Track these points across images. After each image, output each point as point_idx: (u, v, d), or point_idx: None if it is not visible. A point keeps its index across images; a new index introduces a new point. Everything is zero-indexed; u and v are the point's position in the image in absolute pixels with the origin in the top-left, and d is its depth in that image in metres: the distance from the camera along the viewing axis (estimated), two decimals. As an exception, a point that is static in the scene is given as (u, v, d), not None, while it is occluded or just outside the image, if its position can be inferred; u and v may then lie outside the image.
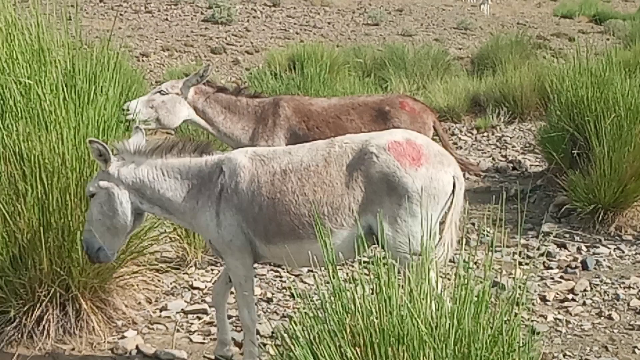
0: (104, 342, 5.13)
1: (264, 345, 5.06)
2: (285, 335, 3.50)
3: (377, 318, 3.29)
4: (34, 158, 5.00)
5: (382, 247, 3.94)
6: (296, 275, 6.23)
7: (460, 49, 23.48)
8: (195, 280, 6.10)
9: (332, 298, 3.40)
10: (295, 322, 3.37)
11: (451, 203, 4.27)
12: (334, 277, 3.44)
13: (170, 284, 6.03)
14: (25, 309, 5.01)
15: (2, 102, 5.18)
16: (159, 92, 6.30)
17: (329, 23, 25.82)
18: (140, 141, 4.61)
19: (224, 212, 4.36)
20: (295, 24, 25.31)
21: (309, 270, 6.32)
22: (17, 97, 5.18)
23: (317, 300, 3.55)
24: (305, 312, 3.45)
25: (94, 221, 4.48)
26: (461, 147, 11.60)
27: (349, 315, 3.34)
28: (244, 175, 4.35)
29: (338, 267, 5.91)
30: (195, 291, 5.93)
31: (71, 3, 6.36)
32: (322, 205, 4.21)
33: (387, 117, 6.39)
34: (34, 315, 5.02)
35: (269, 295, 5.88)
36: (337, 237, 4.20)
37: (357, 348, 3.23)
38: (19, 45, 5.42)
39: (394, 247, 4.13)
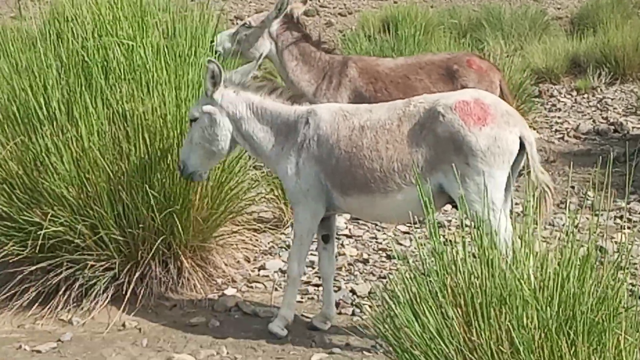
0: (205, 299, 5.24)
1: (360, 306, 5.11)
2: (385, 295, 3.52)
3: (478, 278, 3.27)
4: (137, 118, 5.12)
5: (455, 207, 3.94)
6: (392, 237, 6.23)
7: (559, 8, 22.81)
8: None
9: (433, 258, 3.39)
10: (396, 282, 3.37)
11: (527, 159, 4.26)
12: (433, 237, 3.42)
13: (268, 243, 6.10)
14: (128, 266, 5.15)
15: (106, 63, 5.29)
16: (244, 25, 6.39)
17: (423, -16, 25.43)
18: (246, 76, 4.79)
19: (304, 161, 4.55)
20: (389, -15, 25.02)
21: (404, 232, 6.32)
22: (120, 58, 5.29)
23: (414, 262, 3.55)
24: (405, 273, 3.45)
25: (193, 144, 4.70)
26: (560, 109, 11.33)
27: (449, 275, 3.32)
28: (326, 128, 4.53)
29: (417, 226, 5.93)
30: (293, 251, 5.98)
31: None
32: (392, 162, 4.34)
33: (455, 76, 6.33)
34: (137, 272, 5.16)
35: (365, 256, 5.90)
36: (407, 194, 4.33)
37: (458, 308, 3.22)
38: (122, 8, 5.53)
39: (467, 205, 4.11)
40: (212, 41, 5.99)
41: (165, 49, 5.44)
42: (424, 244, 3.61)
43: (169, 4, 5.86)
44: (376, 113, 4.51)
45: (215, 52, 6.03)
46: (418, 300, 3.26)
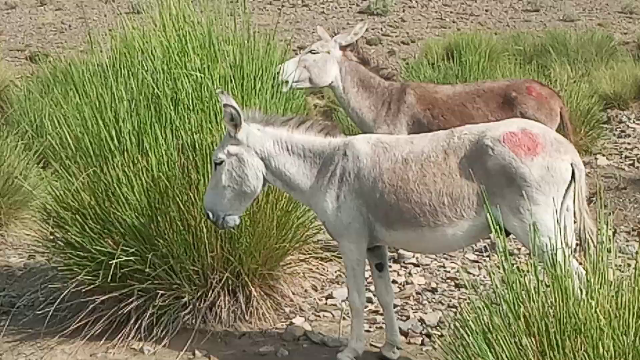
0: (273, 328, 5.25)
1: (430, 335, 5.06)
2: (457, 324, 3.48)
3: (552, 307, 3.22)
4: (205, 148, 5.18)
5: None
6: (461, 266, 6.17)
7: (625, 33, 22.51)
8: (359, 269, 6.12)
9: (505, 287, 3.34)
10: (468, 311, 3.34)
11: (574, 190, 4.18)
12: (505, 266, 3.38)
13: (335, 272, 6.10)
14: (198, 294, 5.20)
15: (175, 94, 5.38)
16: (310, 51, 6.37)
17: (486, 10, 25.36)
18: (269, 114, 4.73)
19: (344, 195, 4.46)
20: (451, 12, 25.02)
21: (473, 261, 6.25)
22: (189, 89, 5.37)
23: (485, 290, 3.50)
24: (476, 302, 3.41)
25: (220, 188, 4.57)
26: (629, 135, 11.12)
27: (522, 304, 3.27)
28: (366, 161, 4.44)
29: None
30: (360, 280, 5.96)
31: (231, -1, 6.55)
32: (442, 196, 4.24)
33: (514, 104, 6.25)
34: (206, 301, 5.20)
35: (433, 285, 5.85)
36: (457, 227, 4.27)
37: (532, 337, 3.16)
38: (191, 40, 5.63)
39: (523, 238, 4.13)
40: (277, 72, 6.01)
41: (233, 80, 5.51)
42: (495, 273, 3.57)
43: (236, 36, 5.94)
44: (418, 145, 4.41)
45: (282, 82, 6.03)
46: (491, 329, 3.21)
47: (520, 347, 3.15)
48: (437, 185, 4.26)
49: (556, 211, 4.01)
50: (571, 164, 4.18)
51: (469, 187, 4.21)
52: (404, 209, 4.32)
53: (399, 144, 4.47)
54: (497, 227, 3.67)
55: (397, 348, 4.79)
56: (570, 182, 4.17)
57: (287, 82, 6.08)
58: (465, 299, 5.38)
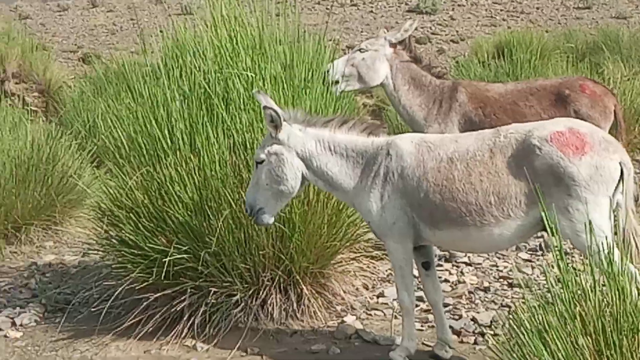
0: (325, 326, 5.27)
1: (483, 334, 5.03)
2: (511, 323, 3.46)
3: (609, 306, 3.18)
4: (256, 147, 5.19)
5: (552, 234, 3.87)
6: (514, 265, 6.12)
7: (680, 29, 22.08)
8: (410, 268, 6.11)
9: (560, 286, 3.31)
10: (522, 310, 3.31)
11: (622, 190, 4.13)
12: (561, 265, 3.35)
13: (386, 271, 6.08)
14: (250, 292, 5.23)
15: (227, 94, 5.42)
16: (359, 49, 6.34)
17: (537, 8, 25.07)
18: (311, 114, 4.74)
19: (388, 195, 4.44)
20: (501, 10, 24.78)
21: (526, 260, 6.20)
22: (240, 89, 5.41)
23: (538, 289, 3.47)
24: (531, 301, 3.38)
25: (259, 186, 4.59)
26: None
27: (578, 303, 3.24)
28: (411, 160, 4.40)
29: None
30: (411, 279, 5.95)
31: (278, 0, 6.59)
32: (488, 195, 4.20)
33: (567, 101, 6.14)
34: (258, 299, 5.24)
35: (486, 284, 5.81)
36: (504, 226, 4.23)
37: (588, 337, 3.13)
38: (242, 40, 5.67)
39: (572, 237, 4.09)
40: (327, 70, 6.00)
41: (283, 79, 5.53)
42: (550, 272, 3.53)
43: (286, 36, 5.96)
44: (463, 144, 4.37)
45: (331, 82, 6.02)
46: (546, 328, 3.18)
47: (576, 346, 3.12)
48: (483, 185, 4.22)
49: (605, 210, 4.01)
50: (620, 163, 4.13)
51: (516, 186, 4.17)
52: (449, 208, 4.29)
53: (444, 143, 4.43)
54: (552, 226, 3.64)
55: (449, 347, 4.77)
56: (619, 181, 4.12)
57: (336, 81, 6.07)
58: (519, 299, 5.33)
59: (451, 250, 5.67)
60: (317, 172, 4.61)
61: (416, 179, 4.37)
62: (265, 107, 4.51)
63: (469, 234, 4.30)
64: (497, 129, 4.45)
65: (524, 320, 3.28)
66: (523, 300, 3.98)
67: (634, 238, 4.15)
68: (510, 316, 3.98)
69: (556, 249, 3.39)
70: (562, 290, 3.29)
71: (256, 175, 4.62)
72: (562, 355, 3.09)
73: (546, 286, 3.46)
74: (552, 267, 3.69)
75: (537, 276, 5.76)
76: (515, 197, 4.17)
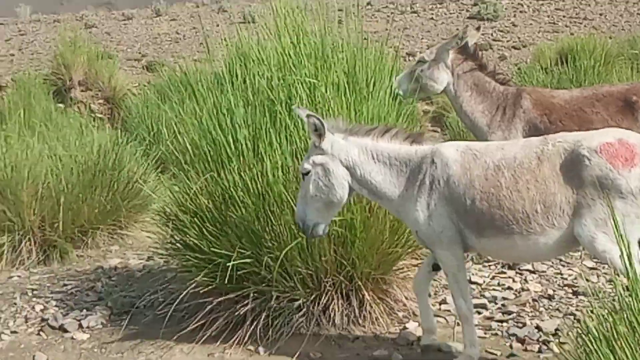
0: (386, 332, 5.26)
1: (547, 342, 4.97)
2: (579, 331, 3.42)
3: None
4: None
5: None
6: (579, 273, 6.04)
7: None
8: (473, 274, 6.07)
9: (629, 294, 3.26)
10: (591, 318, 3.27)
11: None
12: (630, 274, 3.30)
13: (448, 278, 6.04)
14: (312, 297, 5.25)
15: (289, 100, 5.46)
16: (419, 61, 6.35)
17: (600, 14, 24.69)
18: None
19: (435, 203, 4.43)
20: (564, 16, 24.47)
21: (591, 268, 6.11)
22: (303, 96, 5.45)
23: (606, 298, 3.42)
24: (599, 309, 3.34)
25: (308, 198, 4.59)
26: None
27: (648, 312, 3.19)
28: (456, 167, 4.39)
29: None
30: (474, 285, 5.91)
31: (339, 7, 6.61)
32: (535, 203, 4.18)
33: (635, 108, 6.03)
34: (320, 304, 5.25)
35: (550, 292, 5.74)
36: (549, 236, 4.21)
37: (658, 346, 3.08)
38: (305, 48, 5.71)
39: (602, 250, 4.08)
40: (390, 86, 6.02)
41: (345, 86, 5.56)
42: (618, 280, 3.49)
43: (348, 43, 6.00)
44: (510, 151, 4.35)
45: (397, 95, 6.05)
46: (615, 337, 3.13)
47: (646, 355, 3.06)
48: (530, 192, 4.20)
49: None
50: None
51: (562, 196, 4.16)
52: (495, 216, 4.27)
53: (490, 151, 4.43)
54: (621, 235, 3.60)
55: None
56: None
57: (401, 95, 6.10)
58: (584, 307, 5.26)
59: (495, 259, 5.60)
60: (361, 180, 4.62)
61: (462, 186, 4.36)
62: (309, 116, 4.53)
63: (514, 242, 4.28)
64: (545, 137, 4.45)
65: (591, 329, 3.23)
66: (590, 309, 3.94)
67: None
68: (576, 324, 3.95)
69: (625, 257, 3.34)
70: (631, 299, 3.24)
71: (304, 187, 4.64)
72: (630, 363, 3.04)
73: (612, 295, 3.42)
74: (619, 275, 3.65)
75: (603, 284, 5.68)
76: (560, 206, 4.16)
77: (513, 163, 4.29)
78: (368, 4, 26.17)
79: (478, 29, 6.59)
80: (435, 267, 4.78)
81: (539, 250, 4.30)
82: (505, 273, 6.09)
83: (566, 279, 5.96)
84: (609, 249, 4.04)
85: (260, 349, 5.14)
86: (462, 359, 4.64)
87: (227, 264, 5.09)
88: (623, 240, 3.33)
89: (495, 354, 4.90)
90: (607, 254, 4.05)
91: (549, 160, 4.22)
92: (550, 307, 5.54)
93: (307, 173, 4.59)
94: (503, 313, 5.47)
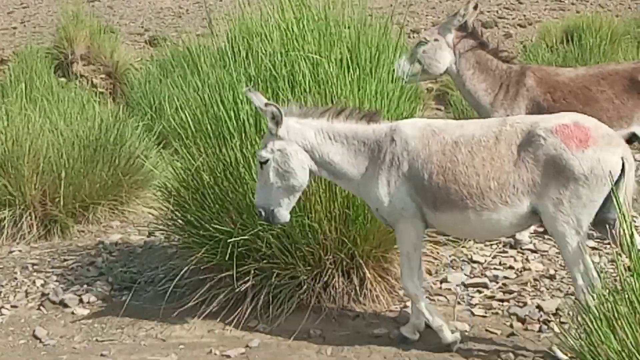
0: (387, 310, 5.26)
1: (548, 322, 4.97)
2: (579, 311, 3.41)
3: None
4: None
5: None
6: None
7: None
8: (474, 254, 6.06)
9: (630, 274, 3.25)
10: (591, 298, 3.26)
11: (623, 183, 4.20)
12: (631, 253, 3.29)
13: (450, 256, 6.04)
14: (313, 274, 5.25)
15: (292, 77, 5.43)
16: (419, 43, 6.29)
17: (606, -8, 24.52)
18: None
19: (395, 180, 4.51)
20: (570, -6, 24.30)
21: (593, 248, 6.08)
22: (305, 72, 5.40)
23: (607, 278, 3.42)
24: (599, 289, 3.33)
25: (268, 186, 4.59)
26: None
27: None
28: (415, 143, 4.48)
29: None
30: (475, 265, 5.90)
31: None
32: (489, 180, 4.30)
33: None
34: (321, 281, 5.25)
35: (552, 272, 5.73)
36: (501, 213, 4.33)
37: (659, 327, 3.07)
38: (308, 23, 5.66)
39: (554, 227, 4.25)
40: (394, 69, 5.95)
41: (349, 62, 5.51)
42: (619, 260, 3.48)
43: (352, 19, 5.95)
44: (468, 129, 4.46)
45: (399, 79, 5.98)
46: (615, 316, 3.13)
47: (646, 336, 3.05)
48: (485, 169, 4.33)
49: (594, 206, 4.16)
50: (622, 157, 4.21)
51: (516, 174, 4.28)
52: (451, 190, 4.38)
53: (449, 128, 4.53)
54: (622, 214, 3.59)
55: (418, 331, 4.83)
56: (620, 175, 4.18)
57: (402, 78, 6.01)
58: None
59: (451, 234, 5.56)
60: (320, 162, 4.64)
61: (421, 161, 4.45)
62: (266, 104, 4.53)
63: (468, 217, 4.40)
64: (504, 118, 4.63)
65: (592, 308, 3.22)
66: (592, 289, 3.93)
67: (625, 230, 4.13)
68: (577, 304, 3.94)
69: (627, 237, 3.33)
70: (632, 279, 3.23)
71: (262, 176, 4.63)
72: (631, 343, 3.04)
73: (614, 275, 3.41)
74: (620, 255, 3.64)
75: (604, 264, 5.66)
76: (514, 185, 4.29)
77: (471, 140, 4.39)
78: (373, -20, 25.98)
79: (475, 7, 6.49)
80: None
81: (491, 227, 4.42)
82: (507, 252, 6.08)
83: (568, 258, 5.93)
84: (567, 231, 4.21)
85: (261, 325, 5.15)
86: (443, 336, 4.67)
87: (228, 241, 5.08)
88: (626, 220, 3.32)
89: (496, 333, 4.89)
90: (565, 236, 4.22)
91: (506, 140, 4.33)
92: (552, 286, 5.52)
93: (266, 161, 4.59)
94: (504, 292, 5.46)
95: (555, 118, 4.39)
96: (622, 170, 4.19)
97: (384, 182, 4.52)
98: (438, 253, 6.00)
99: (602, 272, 4.13)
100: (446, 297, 5.45)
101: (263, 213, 4.64)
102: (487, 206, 4.32)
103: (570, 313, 4.19)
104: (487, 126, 4.46)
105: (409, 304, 5.29)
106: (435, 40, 6.21)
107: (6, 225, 7.21)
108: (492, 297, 5.38)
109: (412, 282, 4.64)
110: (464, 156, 4.37)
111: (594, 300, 3.28)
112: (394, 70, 5.90)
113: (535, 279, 5.63)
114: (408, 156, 4.48)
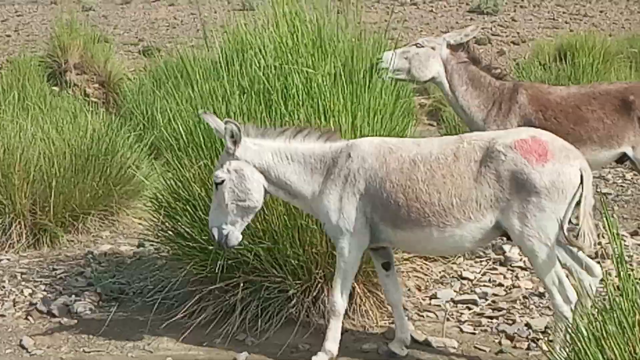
0: (376, 325, 5.25)
1: (537, 340, 4.96)
2: (568, 330, 3.40)
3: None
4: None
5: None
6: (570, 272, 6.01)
7: None
8: (464, 270, 6.07)
9: (619, 294, 3.25)
10: (580, 317, 3.25)
11: (581, 195, 4.27)
12: (620, 273, 3.29)
13: (439, 272, 6.04)
14: (302, 288, 5.23)
15: (285, 90, 5.43)
16: (415, 44, 6.29)
17: (601, 11, 24.66)
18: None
19: (348, 196, 4.51)
20: (564, 12, 24.42)
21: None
22: (299, 85, 5.40)
23: (596, 296, 3.41)
24: (589, 308, 3.33)
25: (223, 207, 4.58)
26: None
27: (638, 311, 3.17)
28: (372, 160, 4.50)
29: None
30: (465, 281, 5.90)
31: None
32: (451, 197, 4.32)
33: (632, 107, 6.03)
34: (310, 296, 5.23)
35: (541, 289, 5.71)
36: (464, 228, 4.37)
37: (647, 347, 3.06)
38: (302, 37, 5.67)
39: (522, 242, 4.30)
40: (379, 59, 5.93)
41: (342, 76, 5.52)
42: (608, 280, 3.48)
43: (346, 34, 5.95)
44: (425, 147, 4.49)
45: (382, 69, 5.94)
46: (604, 336, 3.12)
47: (634, 355, 3.05)
48: (446, 187, 4.35)
49: (559, 218, 4.21)
50: (579, 169, 4.28)
51: (478, 191, 4.31)
52: (412, 209, 4.39)
53: (405, 146, 4.55)
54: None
55: (406, 346, 4.82)
56: (579, 187, 4.26)
57: (385, 69, 5.97)
58: (575, 305, 5.23)
59: (410, 251, 5.57)
60: (276, 182, 4.65)
61: (379, 179, 4.47)
62: (226, 122, 4.53)
63: (431, 234, 4.42)
64: (460, 136, 4.63)
65: (581, 327, 3.22)
66: (580, 307, 3.93)
67: (589, 236, 4.27)
68: (565, 322, 3.94)
69: (616, 256, 3.33)
70: (621, 298, 3.22)
71: (217, 197, 4.62)
72: (619, 364, 3.03)
73: (603, 294, 3.41)
74: (610, 275, 3.64)
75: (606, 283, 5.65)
76: (476, 200, 4.32)
77: (429, 158, 4.42)
78: (368, -6, 26.09)
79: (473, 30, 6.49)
80: (386, 266, 4.82)
81: (454, 243, 4.44)
82: (496, 269, 6.08)
83: (558, 276, 5.93)
84: (535, 244, 4.25)
85: (249, 339, 5.13)
86: (320, 355, 4.67)
87: (218, 253, 5.07)
88: (616, 240, 3.32)
89: (485, 350, 4.89)
90: (534, 250, 4.27)
91: (465, 157, 4.37)
92: (541, 304, 5.52)
93: (222, 182, 4.58)
94: (493, 309, 5.45)
95: (513, 134, 4.44)
96: (581, 181, 4.26)
97: (336, 197, 4.53)
98: (428, 269, 6.00)
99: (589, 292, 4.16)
100: (435, 314, 5.44)
101: (216, 235, 4.62)
102: (451, 222, 4.35)
103: (559, 332, 4.18)
104: (445, 144, 4.50)
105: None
106: (432, 48, 6.22)
107: (-5, 233, 7.19)
108: (481, 314, 5.37)
109: (341, 299, 4.64)
110: (423, 174, 4.39)
111: (573, 314, 3.27)
112: (380, 59, 5.88)
113: (524, 297, 5.63)
114: (365, 174, 4.49)
